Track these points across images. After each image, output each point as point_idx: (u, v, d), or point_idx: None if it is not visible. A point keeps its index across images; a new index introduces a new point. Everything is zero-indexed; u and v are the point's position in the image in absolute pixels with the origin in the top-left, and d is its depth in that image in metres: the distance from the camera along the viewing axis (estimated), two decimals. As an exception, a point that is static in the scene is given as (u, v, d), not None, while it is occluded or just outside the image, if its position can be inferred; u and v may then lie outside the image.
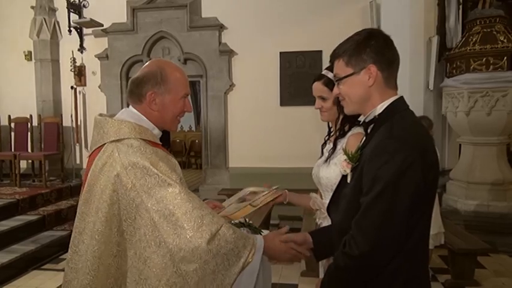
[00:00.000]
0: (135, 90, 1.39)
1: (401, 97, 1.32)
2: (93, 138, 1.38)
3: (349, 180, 1.35)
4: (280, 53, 6.21)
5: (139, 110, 1.40)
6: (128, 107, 1.46)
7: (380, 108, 1.30)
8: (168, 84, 1.38)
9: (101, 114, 1.41)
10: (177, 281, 1.18)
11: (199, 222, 1.20)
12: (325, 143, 1.97)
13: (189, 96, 1.47)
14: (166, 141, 10.22)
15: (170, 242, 1.18)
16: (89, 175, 1.31)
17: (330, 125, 1.95)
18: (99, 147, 1.33)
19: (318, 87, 1.87)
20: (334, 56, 1.35)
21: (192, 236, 1.18)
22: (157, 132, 1.41)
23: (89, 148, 1.39)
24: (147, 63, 1.46)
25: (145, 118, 1.38)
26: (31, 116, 6.63)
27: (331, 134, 1.94)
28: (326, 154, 1.90)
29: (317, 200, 1.96)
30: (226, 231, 1.24)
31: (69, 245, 1.27)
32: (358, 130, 1.70)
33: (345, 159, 1.34)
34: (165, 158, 1.32)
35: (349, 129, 1.79)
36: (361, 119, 1.39)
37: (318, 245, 1.50)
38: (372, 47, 1.26)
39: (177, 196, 1.22)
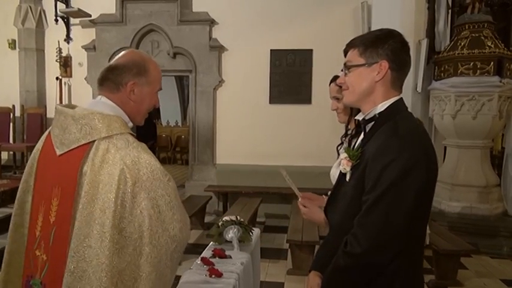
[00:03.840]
0: (113, 78, 1.34)
1: (401, 98, 1.33)
2: (70, 135, 1.26)
3: (347, 178, 1.34)
4: (271, 50, 6.18)
5: (114, 100, 1.34)
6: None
7: (381, 107, 1.30)
8: (149, 77, 1.38)
9: (63, 105, 1.34)
10: (165, 271, 1.25)
11: (184, 214, 1.29)
12: (341, 144, 1.97)
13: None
14: (153, 135, 10.13)
15: (167, 235, 1.23)
16: (86, 177, 1.21)
17: (349, 126, 1.95)
18: (85, 144, 1.24)
19: (333, 88, 1.90)
20: (350, 45, 1.35)
21: (182, 228, 1.26)
22: (131, 125, 1.40)
23: (57, 144, 1.24)
24: (124, 53, 1.41)
25: (122, 111, 1.35)
26: (14, 106, 6.46)
27: (348, 134, 1.92)
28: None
29: None
30: None
31: (69, 254, 1.19)
32: None
33: (345, 157, 1.33)
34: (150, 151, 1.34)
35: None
36: (359, 117, 1.39)
37: (319, 258, 1.46)
38: (390, 45, 1.28)
39: (174, 190, 1.27)
